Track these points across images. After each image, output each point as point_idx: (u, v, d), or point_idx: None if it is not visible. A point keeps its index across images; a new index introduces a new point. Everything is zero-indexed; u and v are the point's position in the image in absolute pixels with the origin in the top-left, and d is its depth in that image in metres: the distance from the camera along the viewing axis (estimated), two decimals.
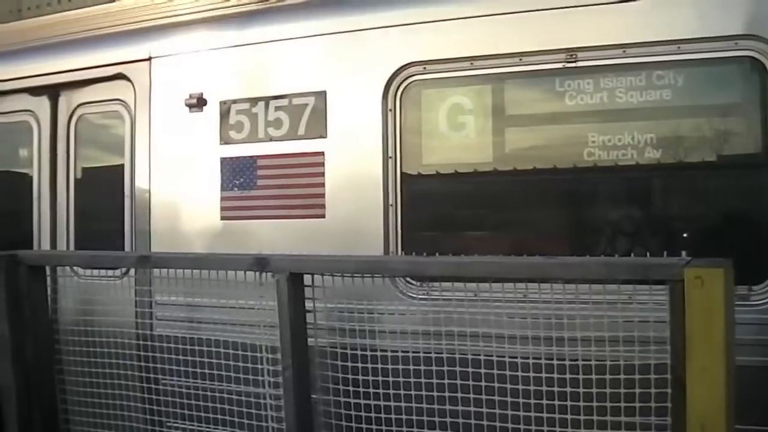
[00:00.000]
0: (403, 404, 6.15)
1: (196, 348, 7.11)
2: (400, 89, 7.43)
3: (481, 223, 7.44)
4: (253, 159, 8.03)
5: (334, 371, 6.44)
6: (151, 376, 7.44)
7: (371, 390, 6.26)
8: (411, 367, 6.14)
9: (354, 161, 7.58)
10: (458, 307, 6.07)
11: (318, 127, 7.74)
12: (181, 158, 8.45)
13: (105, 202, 9.07)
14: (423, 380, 6.08)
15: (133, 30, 9.10)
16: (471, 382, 5.88)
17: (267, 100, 8.00)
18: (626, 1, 6.65)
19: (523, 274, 5.80)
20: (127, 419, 7.69)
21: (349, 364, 6.35)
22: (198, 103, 8.30)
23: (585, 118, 6.88)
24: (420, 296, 7.04)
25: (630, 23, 6.66)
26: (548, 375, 5.63)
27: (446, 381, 5.99)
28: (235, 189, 8.09)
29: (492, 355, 5.84)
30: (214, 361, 7.01)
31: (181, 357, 7.17)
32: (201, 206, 8.28)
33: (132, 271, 7.99)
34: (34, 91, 9.47)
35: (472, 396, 5.89)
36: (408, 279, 7.11)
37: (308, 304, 6.37)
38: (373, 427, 6.28)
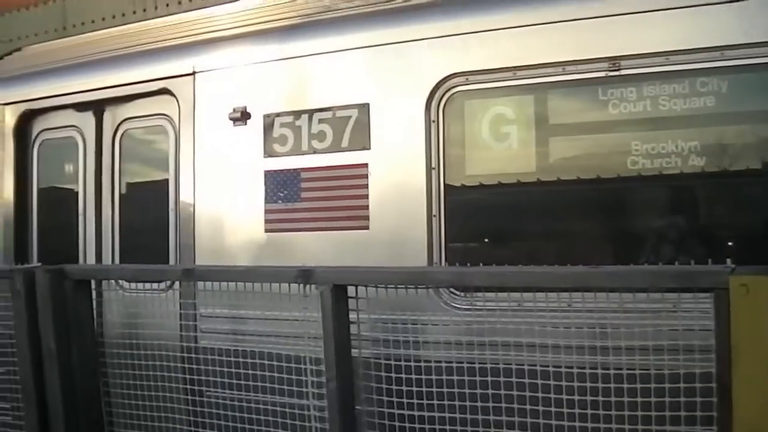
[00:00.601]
0: (447, 415, 6.13)
1: (241, 360, 7.12)
2: (443, 100, 7.42)
3: (525, 233, 7.42)
4: (296, 171, 8.04)
5: (378, 382, 6.44)
6: (196, 388, 7.46)
7: (415, 401, 6.25)
8: (455, 377, 6.13)
9: (398, 173, 7.57)
10: (502, 317, 6.05)
11: (361, 139, 7.75)
12: (226, 172, 8.47)
13: (150, 216, 9.10)
14: (467, 391, 6.06)
15: (177, 45, 9.15)
16: (515, 392, 5.87)
17: (310, 112, 8.01)
18: (671, 9, 6.63)
19: (567, 283, 5.78)
20: (172, 431, 7.70)
21: (393, 375, 6.35)
22: (242, 116, 8.33)
23: (629, 126, 6.85)
24: (464, 307, 7.01)
25: (673, 30, 6.64)
26: (593, 385, 5.60)
27: (490, 391, 5.97)
28: (279, 201, 8.10)
29: (536, 365, 5.83)
30: (259, 373, 7.02)
31: (225, 369, 7.19)
32: (245, 219, 8.29)
33: (177, 285, 8.02)
34: (80, 106, 9.55)
35: (516, 406, 5.87)
36: (452, 289, 7.09)
37: (352, 316, 6.37)
38: None
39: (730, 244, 6.69)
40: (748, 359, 4.88)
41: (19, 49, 12.05)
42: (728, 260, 5.30)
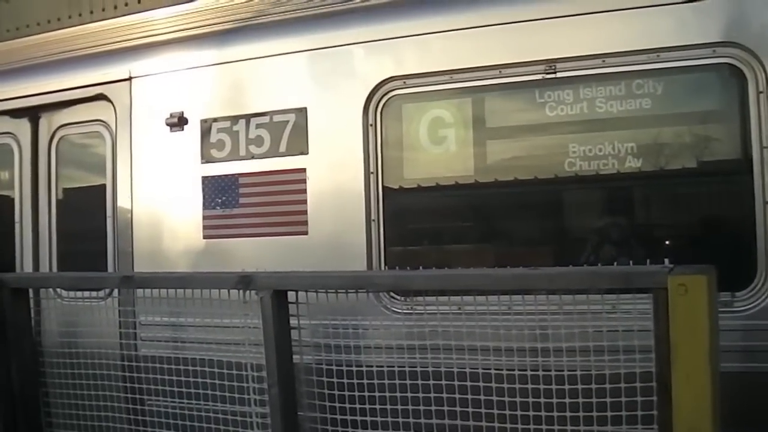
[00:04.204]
0: (389, 419, 6.13)
1: (181, 368, 7.07)
2: (381, 104, 7.42)
3: (464, 236, 7.45)
4: (234, 177, 8.01)
5: (320, 388, 6.42)
6: (137, 396, 7.41)
7: (357, 406, 6.23)
8: (397, 381, 6.12)
9: (336, 177, 7.56)
10: (443, 320, 6.06)
11: (299, 143, 7.72)
12: (163, 178, 8.42)
13: (87, 222, 9.02)
14: (409, 395, 6.06)
15: (113, 50, 9.08)
16: (457, 396, 5.87)
17: (248, 117, 7.98)
18: (606, 11, 6.67)
19: (507, 285, 5.78)
20: None
21: (335, 380, 6.34)
22: (179, 122, 8.28)
23: (566, 128, 6.88)
24: (404, 311, 7.01)
25: (608, 33, 6.68)
26: (534, 386, 5.62)
27: (432, 395, 5.97)
28: (218, 207, 8.06)
29: (477, 368, 5.83)
30: (200, 380, 6.98)
31: (166, 377, 7.14)
32: (184, 225, 8.25)
33: (116, 292, 7.96)
34: (15, 113, 9.42)
35: (458, 410, 5.87)
36: (392, 294, 7.09)
37: (293, 321, 6.35)
38: None
39: (668, 243, 6.76)
40: (687, 358, 4.92)
41: None
42: (666, 260, 5.35)
